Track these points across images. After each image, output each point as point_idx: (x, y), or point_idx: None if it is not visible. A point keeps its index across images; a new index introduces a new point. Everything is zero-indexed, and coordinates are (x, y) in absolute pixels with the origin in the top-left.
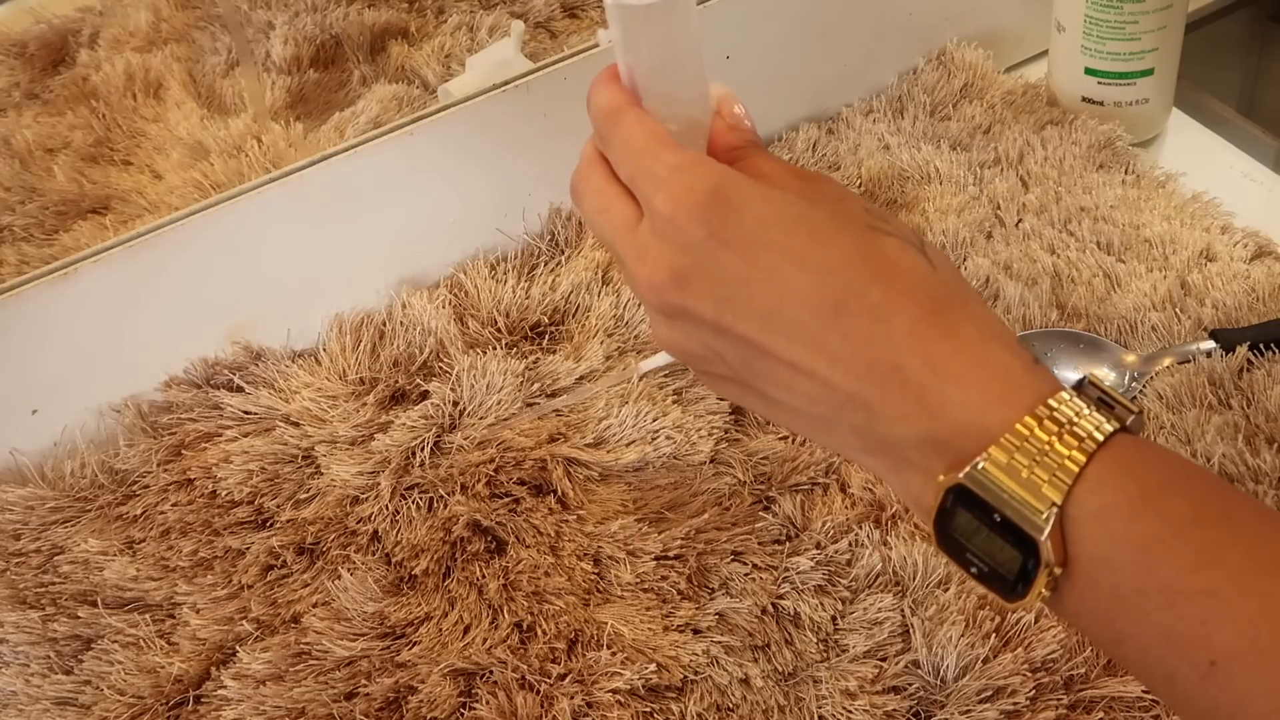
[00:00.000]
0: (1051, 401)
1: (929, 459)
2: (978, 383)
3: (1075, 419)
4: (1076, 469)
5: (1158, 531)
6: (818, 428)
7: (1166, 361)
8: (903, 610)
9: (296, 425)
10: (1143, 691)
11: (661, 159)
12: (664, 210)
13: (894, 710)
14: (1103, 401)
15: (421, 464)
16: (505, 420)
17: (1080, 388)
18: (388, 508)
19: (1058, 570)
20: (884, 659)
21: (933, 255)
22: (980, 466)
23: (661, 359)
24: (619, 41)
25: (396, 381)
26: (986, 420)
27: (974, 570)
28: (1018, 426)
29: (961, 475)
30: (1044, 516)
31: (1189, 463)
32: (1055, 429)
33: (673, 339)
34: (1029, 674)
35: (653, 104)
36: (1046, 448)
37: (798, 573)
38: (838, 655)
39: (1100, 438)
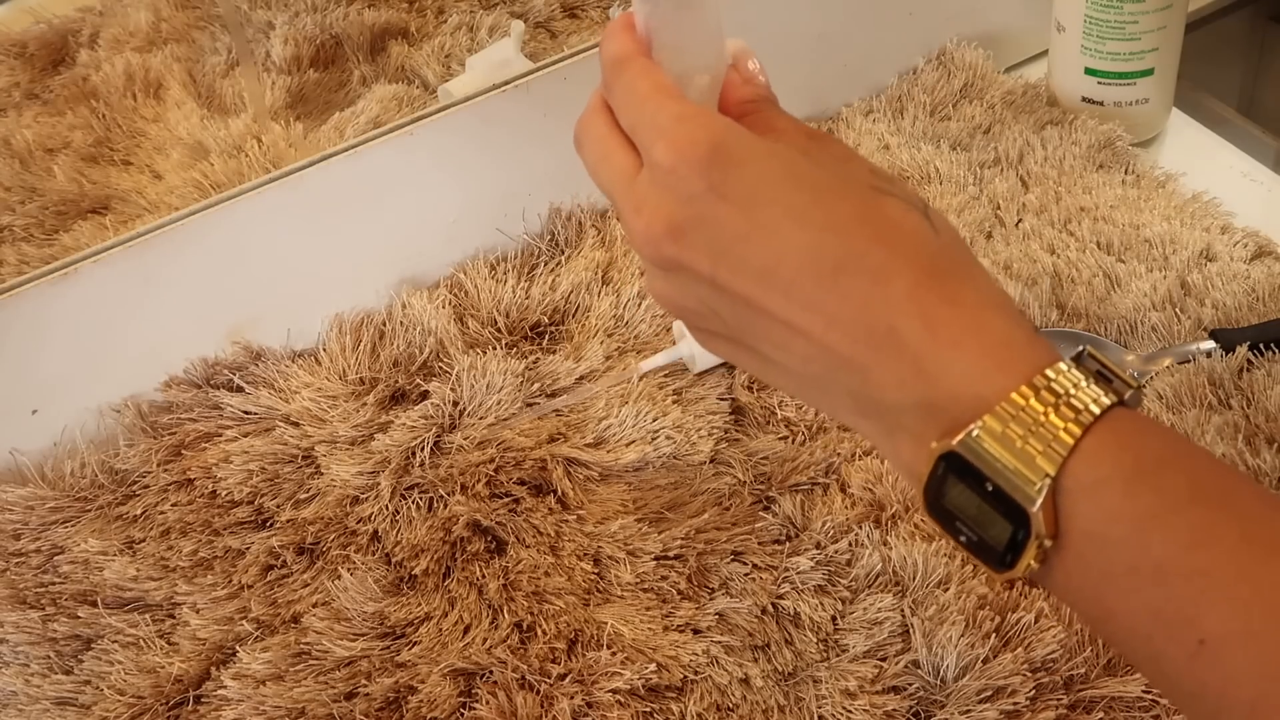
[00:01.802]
0: (1049, 372)
1: (923, 425)
2: (975, 350)
3: (1073, 391)
4: (1072, 441)
5: (1152, 508)
6: (812, 388)
7: (1166, 361)
8: (903, 610)
9: (296, 425)
10: (1143, 691)
11: (665, 109)
12: (664, 161)
13: (894, 710)
14: (1101, 375)
15: (421, 464)
16: (505, 420)
17: (1080, 360)
18: (388, 508)
19: (1048, 543)
20: (884, 659)
21: (936, 220)
22: (974, 434)
23: (662, 359)
24: None
25: (396, 381)
26: (983, 388)
27: (963, 539)
28: (1014, 396)
29: (954, 442)
30: (1037, 488)
31: (1187, 440)
32: (1052, 400)
33: (667, 293)
34: (1029, 674)
35: (667, 55)
36: (1042, 418)
37: (798, 573)
38: (838, 655)
39: (1097, 411)
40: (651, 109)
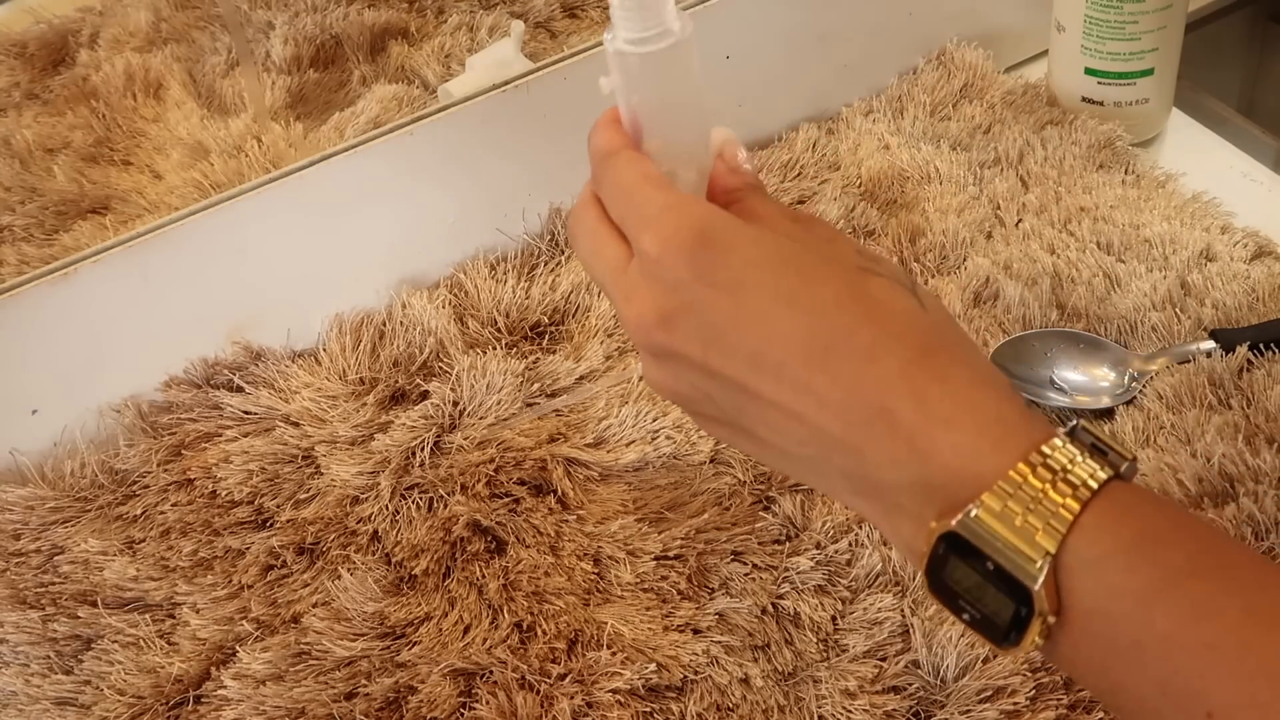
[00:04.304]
0: (1045, 448)
1: (920, 504)
2: (970, 427)
3: (1069, 466)
4: (1071, 517)
5: (1154, 582)
6: (809, 470)
7: (1166, 361)
8: (903, 610)
9: (296, 425)
10: None
11: (651, 199)
12: (651, 250)
13: (894, 710)
14: (1096, 448)
15: (421, 464)
16: (505, 420)
17: (1074, 434)
18: (388, 508)
19: (1051, 619)
20: (884, 659)
21: (924, 297)
22: (973, 514)
23: None
24: (620, 86)
25: (396, 381)
26: (979, 466)
27: (966, 617)
28: (1011, 473)
29: (954, 522)
30: (1038, 565)
31: (1184, 511)
32: (1049, 476)
33: (662, 380)
34: (1029, 674)
35: (653, 148)
36: (1040, 495)
37: (798, 573)
38: (838, 655)
39: (1094, 485)
40: (638, 200)
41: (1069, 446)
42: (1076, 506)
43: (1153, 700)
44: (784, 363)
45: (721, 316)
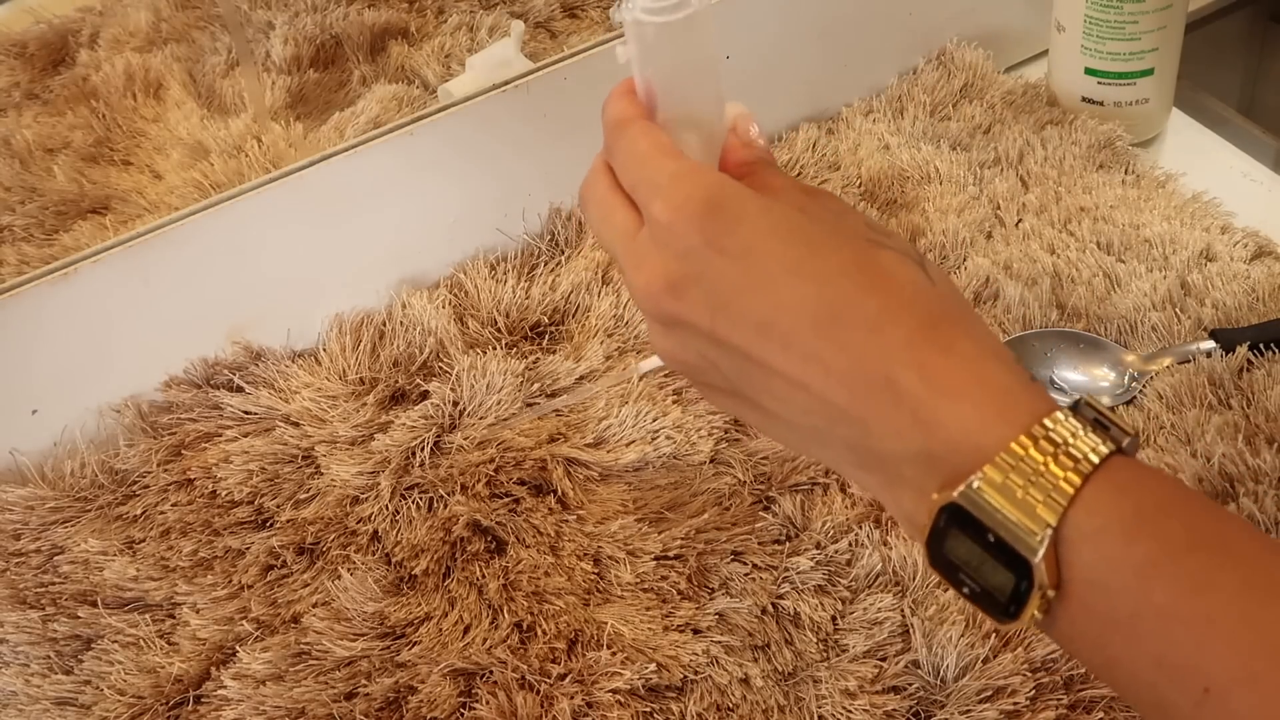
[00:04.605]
0: (1047, 422)
1: (923, 476)
2: (973, 400)
3: (1071, 440)
4: (1072, 490)
5: (1153, 555)
6: (812, 441)
7: (1166, 361)
8: (903, 610)
9: (296, 425)
10: None
11: (663, 167)
12: (661, 217)
13: (894, 710)
14: (1098, 423)
15: (421, 464)
16: (505, 420)
17: (1076, 408)
18: (388, 508)
19: (1051, 593)
20: (884, 659)
21: (932, 271)
22: (975, 485)
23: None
24: (636, 57)
25: (396, 381)
26: (982, 438)
27: (966, 590)
28: (1013, 446)
29: (955, 494)
30: (1038, 538)
31: (1184, 486)
32: (1051, 449)
33: (669, 348)
34: (1029, 674)
35: (668, 119)
36: (1042, 468)
37: (798, 573)
38: (838, 655)
39: (1096, 460)
40: (650, 168)
41: (1071, 420)
42: (1078, 480)
43: (1148, 674)
44: (791, 332)
45: (730, 284)
